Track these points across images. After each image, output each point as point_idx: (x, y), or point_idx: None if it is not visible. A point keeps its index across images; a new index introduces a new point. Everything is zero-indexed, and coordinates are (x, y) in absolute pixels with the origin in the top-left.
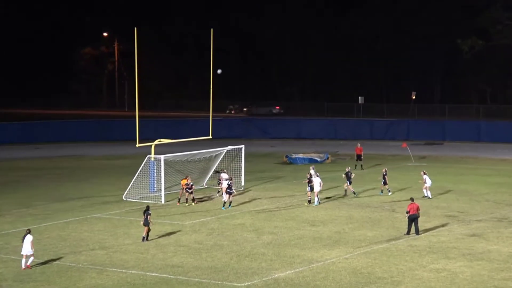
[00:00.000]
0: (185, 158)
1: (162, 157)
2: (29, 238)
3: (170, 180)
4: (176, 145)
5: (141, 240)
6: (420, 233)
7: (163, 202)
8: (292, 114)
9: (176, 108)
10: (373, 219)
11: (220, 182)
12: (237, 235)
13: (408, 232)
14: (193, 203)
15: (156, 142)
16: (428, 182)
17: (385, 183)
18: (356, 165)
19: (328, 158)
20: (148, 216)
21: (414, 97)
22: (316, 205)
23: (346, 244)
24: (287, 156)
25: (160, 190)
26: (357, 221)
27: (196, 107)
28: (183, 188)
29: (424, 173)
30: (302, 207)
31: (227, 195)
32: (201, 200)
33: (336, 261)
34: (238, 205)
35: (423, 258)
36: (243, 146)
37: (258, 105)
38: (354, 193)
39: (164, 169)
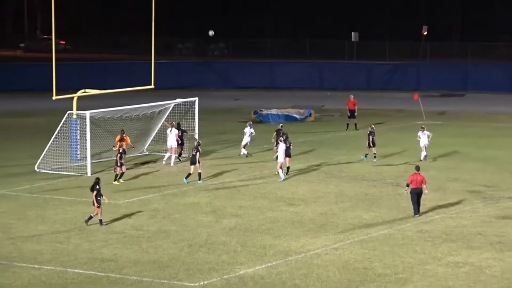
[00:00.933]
0: (118, 115)
1: (87, 113)
2: None
3: (99, 145)
4: (106, 98)
5: (99, 224)
6: (418, 214)
7: (89, 174)
8: (263, 56)
9: (107, 48)
10: (371, 196)
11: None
12: (189, 219)
13: (416, 212)
14: (120, 180)
15: (80, 93)
16: (423, 141)
17: (371, 145)
18: (348, 124)
19: (310, 115)
20: (95, 192)
21: (425, 33)
22: (280, 180)
23: (335, 230)
24: (255, 112)
25: (86, 158)
26: (349, 199)
27: (134, 46)
28: (117, 149)
29: (422, 129)
30: (276, 181)
31: (192, 166)
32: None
33: (322, 253)
34: (191, 179)
35: (438, 248)
36: (196, 98)
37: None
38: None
39: (91, 129)
